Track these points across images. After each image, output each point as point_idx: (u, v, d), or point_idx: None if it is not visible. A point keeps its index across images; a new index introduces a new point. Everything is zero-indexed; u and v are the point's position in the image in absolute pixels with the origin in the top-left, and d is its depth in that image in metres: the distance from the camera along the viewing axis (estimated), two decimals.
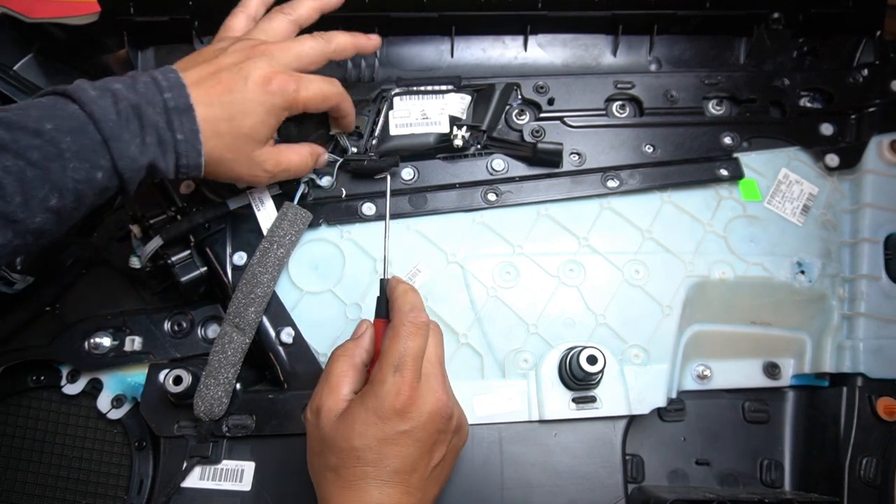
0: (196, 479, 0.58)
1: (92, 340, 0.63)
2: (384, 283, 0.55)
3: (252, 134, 0.52)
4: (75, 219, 0.47)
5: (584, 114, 0.69)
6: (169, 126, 0.48)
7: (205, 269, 0.62)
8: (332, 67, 0.71)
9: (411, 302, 0.51)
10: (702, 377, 0.67)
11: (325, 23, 0.70)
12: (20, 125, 0.42)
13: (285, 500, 0.58)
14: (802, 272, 0.66)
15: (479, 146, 0.68)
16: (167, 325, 0.64)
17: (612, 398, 0.60)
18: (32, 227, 0.43)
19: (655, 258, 0.65)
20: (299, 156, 0.58)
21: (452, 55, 0.72)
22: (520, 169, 0.67)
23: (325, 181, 0.65)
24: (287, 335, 0.61)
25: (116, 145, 0.45)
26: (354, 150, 0.65)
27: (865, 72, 0.71)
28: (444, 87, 0.67)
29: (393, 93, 0.67)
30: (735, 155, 0.68)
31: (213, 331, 0.64)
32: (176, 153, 0.48)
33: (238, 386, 0.60)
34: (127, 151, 0.46)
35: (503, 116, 0.68)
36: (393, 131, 0.66)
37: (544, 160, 0.67)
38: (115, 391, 0.64)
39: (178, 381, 0.58)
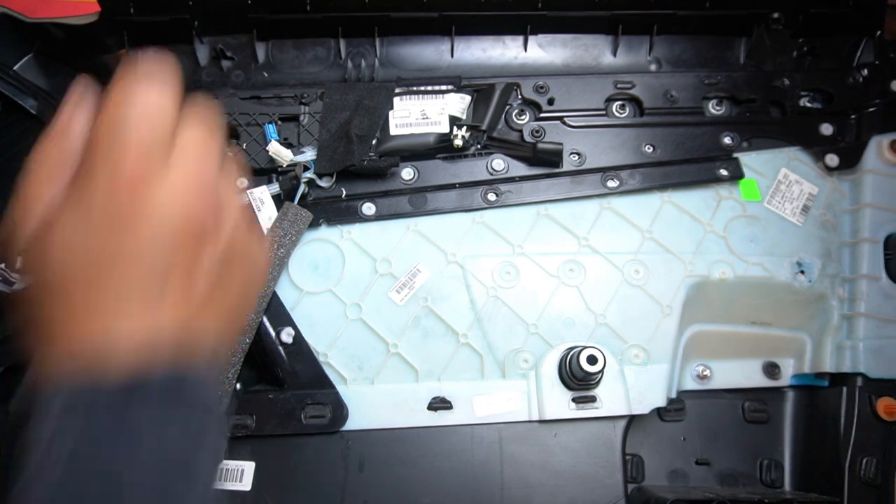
0: None
1: None
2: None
3: None
4: None
5: (584, 114, 0.69)
6: None
7: None
8: (331, 67, 0.71)
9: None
10: (702, 377, 0.67)
11: (325, 23, 0.70)
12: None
13: (285, 500, 0.58)
14: (802, 272, 0.66)
15: (479, 146, 0.68)
16: None
17: (612, 398, 0.60)
18: None
19: (655, 258, 0.65)
20: None
21: (452, 55, 0.72)
22: (520, 169, 0.67)
23: (324, 181, 0.65)
24: (287, 335, 0.61)
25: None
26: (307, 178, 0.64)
27: (865, 72, 0.71)
28: (444, 87, 0.67)
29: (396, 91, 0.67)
30: (735, 155, 0.69)
31: None
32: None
33: (238, 386, 0.60)
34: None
35: (503, 116, 0.68)
36: (393, 131, 0.66)
37: (544, 160, 0.67)
38: None
39: None
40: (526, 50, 0.73)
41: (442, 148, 0.66)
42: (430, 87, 0.67)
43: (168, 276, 0.30)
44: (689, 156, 0.68)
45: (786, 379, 0.67)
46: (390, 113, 0.66)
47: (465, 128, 0.66)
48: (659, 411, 0.66)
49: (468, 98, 0.67)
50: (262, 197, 0.64)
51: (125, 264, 0.29)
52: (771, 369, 0.67)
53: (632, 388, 0.61)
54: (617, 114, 0.70)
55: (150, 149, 0.30)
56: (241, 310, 0.36)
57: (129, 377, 0.27)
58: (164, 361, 0.29)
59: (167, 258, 0.30)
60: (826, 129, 0.70)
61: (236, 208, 0.35)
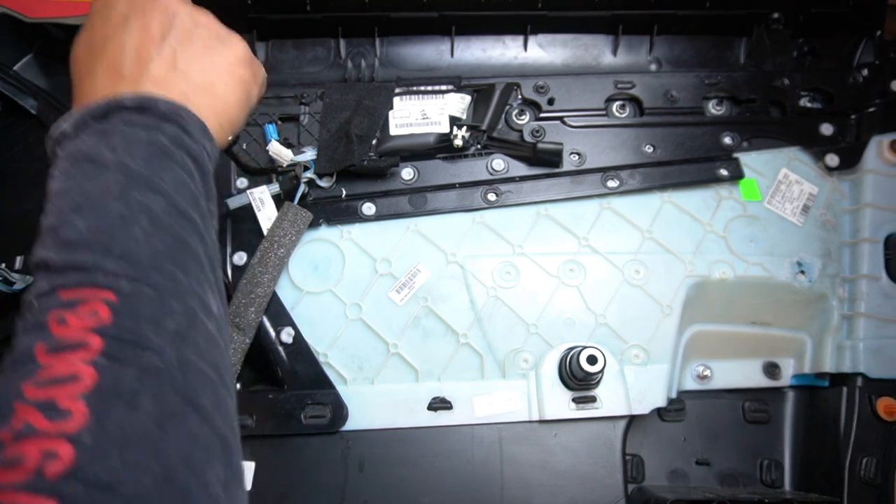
0: None
1: None
2: None
3: None
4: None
5: (584, 114, 0.69)
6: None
7: None
8: (331, 67, 0.71)
9: None
10: (702, 377, 0.67)
11: (325, 23, 0.70)
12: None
13: (285, 500, 0.58)
14: (802, 272, 0.66)
15: (479, 146, 0.68)
16: None
17: (612, 398, 0.60)
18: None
19: (655, 258, 0.65)
20: None
21: (452, 55, 0.72)
22: (520, 169, 0.67)
23: (324, 181, 0.65)
24: (287, 335, 0.61)
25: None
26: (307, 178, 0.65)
27: (865, 72, 0.71)
28: (444, 87, 0.67)
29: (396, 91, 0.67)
30: (735, 155, 0.69)
31: None
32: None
33: (238, 386, 0.60)
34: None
35: (503, 116, 0.68)
36: (393, 131, 0.66)
37: (544, 160, 0.67)
38: None
39: None
40: (526, 50, 0.73)
41: (442, 148, 0.66)
42: (430, 87, 0.67)
43: (122, 59, 0.43)
44: (689, 156, 0.68)
45: (786, 379, 0.67)
46: (390, 113, 0.66)
47: (465, 128, 0.66)
48: (659, 411, 0.66)
49: (468, 98, 0.67)
50: (262, 197, 0.64)
51: (96, 53, 0.44)
52: (771, 369, 0.67)
53: (632, 389, 0.61)
54: (617, 114, 0.70)
55: None
56: (214, 72, 0.46)
57: (105, 107, 0.39)
58: (126, 100, 0.40)
59: (120, 45, 0.43)
60: (826, 129, 0.70)
61: (178, 12, 0.46)
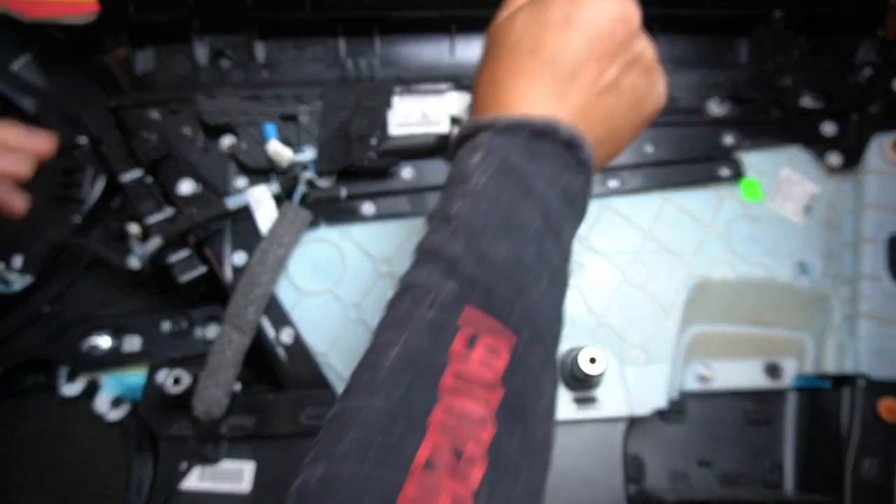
0: (195, 480, 0.58)
1: (90, 341, 0.63)
2: None
3: None
4: None
5: None
6: None
7: (205, 269, 0.62)
8: (331, 67, 0.71)
9: None
10: (703, 378, 0.66)
11: (325, 22, 0.70)
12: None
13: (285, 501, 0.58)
14: (804, 272, 0.66)
15: None
16: (166, 326, 0.64)
17: (613, 399, 0.60)
18: None
19: (656, 258, 0.65)
20: None
21: (452, 55, 0.72)
22: None
23: (324, 181, 0.65)
24: (287, 335, 0.61)
25: None
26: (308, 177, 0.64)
27: (867, 71, 0.71)
28: (444, 87, 0.67)
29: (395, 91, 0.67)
30: (736, 155, 0.68)
31: (212, 331, 0.64)
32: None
33: (238, 386, 0.60)
34: None
35: None
36: (393, 131, 0.65)
37: None
38: (113, 392, 0.64)
39: (177, 381, 0.58)
40: None
41: (442, 148, 0.66)
42: (430, 87, 0.67)
43: (573, 82, 0.39)
44: (690, 156, 0.68)
45: (787, 380, 0.67)
46: (390, 113, 0.66)
47: None
48: (660, 412, 0.65)
49: (468, 98, 0.67)
50: (262, 197, 0.64)
51: (545, 59, 0.39)
52: (772, 370, 0.67)
53: (632, 389, 0.60)
54: None
55: None
56: (621, 132, 0.42)
57: (541, 129, 0.37)
58: (562, 129, 0.37)
59: (578, 66, 0.39)
60: (828, 128, 0.70)
61: (646, 47, 0.42)
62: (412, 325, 0.32)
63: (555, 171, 0.37)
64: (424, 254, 0.35)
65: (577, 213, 0.38)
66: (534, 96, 0.39)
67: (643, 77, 0.42)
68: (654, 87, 0.43)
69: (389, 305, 0.35)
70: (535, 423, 0.32)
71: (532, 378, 0.32)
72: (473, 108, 0.43)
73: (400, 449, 0.28)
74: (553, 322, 0.35)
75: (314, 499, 0.29)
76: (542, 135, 0.37)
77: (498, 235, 0.34)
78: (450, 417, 0.29)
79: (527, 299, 0.33)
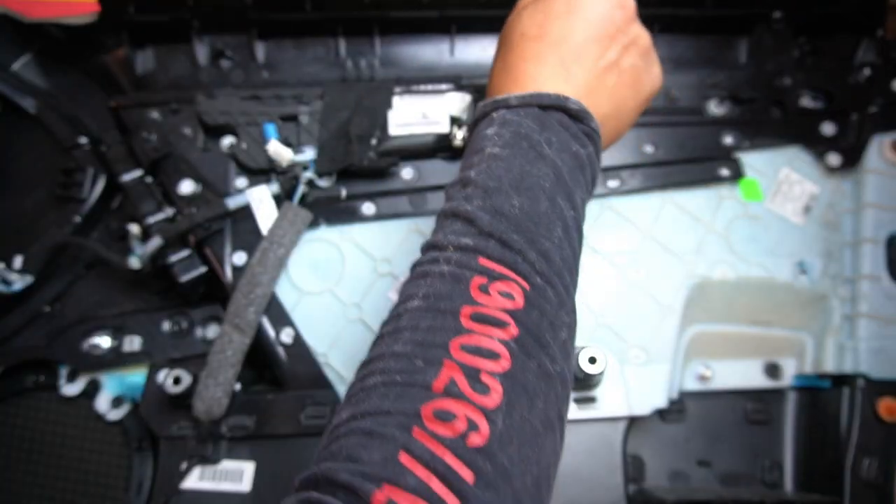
0: (195, 479, 0.58)
1: (91, 340, 0.63)
2: None
3: None
4: None
5: None
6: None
7: (205, 269, 0.62)
8: (331, 67, 0.71)
9: None
10: (703, 378, 0.66)
11: (325, 22, 0.70)
12: None
13: None
14: (804, 272, 0.66)
15: None
16: (166, 326, 0.64)
17: (613, 399, 0.60)
18: None
19: (656, 258, 0.65)
20: None
21: (452, 55, 0.72)
22: None
23: (324, 181, 0.65)
24: (287, 335, 0.61)
25: None
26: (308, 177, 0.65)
27: (867, 71, 0.71)
28: (444, 87, 0.67)
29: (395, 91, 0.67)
30: (736, 155, 0.68)
31: (212, 331, 0.64)
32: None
33: (238, 386, 0.60)
34: None
35: None
36: (393, 131, 0.65)
37: None
38: (114, 392, 0.64)
39: (177, 381, 0.58)
40: None
41: (442, 148, 0.66)
42: (430, 87, 0.67)
43: (577, 62, 0.42)
44: (689, 155, 0.68)
45: (787, 379, 0.67)
46: (390, 113, 0.66)
47: (465, 127, 0.66)
48: (660, 412, 0.66)
49: (468, 98, 0.67)
50: (262, 197, 0.64)
51: (551, 43, 0.43)
52: (772, 370, 0.67)
53: (632, 389, 0.60)
54: None
55: None
56: (624, 110, 0.45)
57: (551, 102, 0.40)
58: (570, 102, 0.40)
59: (581, 48, 0.43)
60: (827, 128, 0.70)
61: (642, 32, 0.46)
62: (430, 278, 0.35)
63: (564, 139, 0.40)
64: (444, 216, 0.38)
65: (587, 181, 0.41)
66: (543, 75, 0.42)
67: (640, 59, 0.46)
68: (650, 69, 0.47)
69: (412, 267, 0.38)
70: (550, 356, 0.34)
71: (546, 318, 0.34)
72: (488, 93, 0.46)
73: (418, 382, 0.31)
74: (566, 269, 0.37)
75: (341, 438, 0.31)
76: (552, 108, 0.40)
77: (511, 193, 0.37)
78: (466, 352, 0.31)
79: (539, 248, 0.35)
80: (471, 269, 0.34)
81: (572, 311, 0.37)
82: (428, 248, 0.38)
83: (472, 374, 0.31)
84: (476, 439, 0.29)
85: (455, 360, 0.31)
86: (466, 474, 0.28)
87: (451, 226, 0.37)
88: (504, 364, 0.32)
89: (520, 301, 0.34)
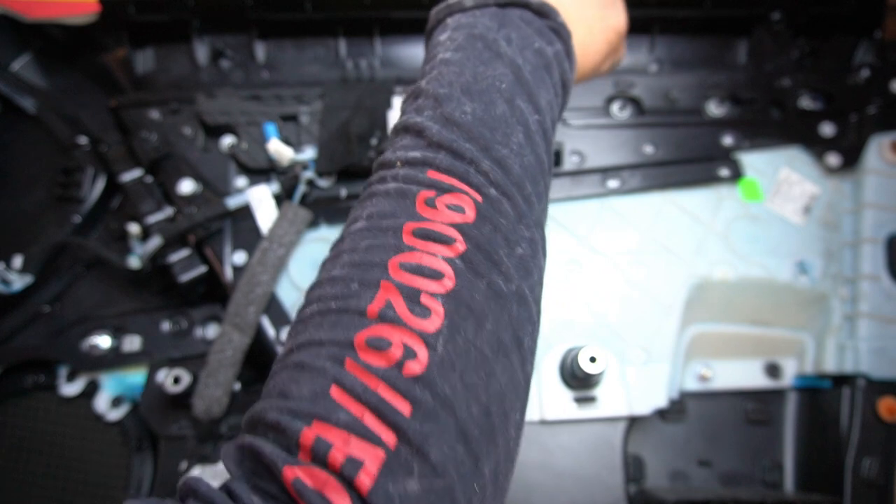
0: None
1: (90, 341, 0.63)
2: None
3: None
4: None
5: (585, 113, 0.69)
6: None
7: (205, 268, 0.62)
8: (331, 67, 0.71)
9: None
10: (703, 377, 0.66)
11: (325, 23, 0.70)
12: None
13: None
14: (804, 272, 0.66)
15: None
16: (166, 326, 0.64)
17: (613, 398, 0.60)
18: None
19: (656, 258, 0.65)
20: None
21: None
22: None
23: (324, 181, 0.65)
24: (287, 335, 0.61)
25: None
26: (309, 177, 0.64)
27: (865, 72, 0.71)
28: None
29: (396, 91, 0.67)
30: (736, 155, 0.68)
31: (212, 331, 0.64)
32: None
33: (238, 386, 0.60)
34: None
35: None
36: None
37: None
38: (113, 392, 0.64)
39: (177, 381, 0.58)
40: None
41: None
42: None
43: None
44: (689, 156, 0.68)
45: (787, 379, 0.67)
46: (390, 113, 0.66)
47: None
48: (660, 412, 0.66)
49: None
50: (262, 196, 0.63)
51: None
52: (772, 370, 0.67)
53: (633, 389, 0.60)
54: (617, 114, 0.70)
55: None
56: (592, 30, 0.42)
57: (510, 0, 0.37)
58: (544, 2, 0.38)
59: None
60: (827, 129, 0.70)
61: None
62: (376, 198, 0.32)
63: (526, 35, 0.37)
64: (395, 132, 0.35)
65: (555, 83, 0.38)
66: None
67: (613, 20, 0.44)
68: (616, 6, 0.44)
69: (363, 190, 0.35)
70: (504, 274, 0.31)
71: (500, 233, 0.32)
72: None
73: (351, 307, 0.28)
74: (528, 178, 0.34)
75: (276, 375, 0.29)
76: (512, 4, 0.37)
77: (463, 98, 0.34)
78: (405, 272, 0.29)
79: (494, 156, 0.33)
80: (418, 184, 0.31)
81: (535, 225, 0.34)
82: (377, 167, 0.34)
83: (411, 296, 0.28)
84: (414, 367, 0.27)
85: (393, 281, 0.29)
86: (402, 406, 0.26)
87: (400, 141, 0.34)
88: (447, 284, 0.29)
89: (470, 214, 0.31)
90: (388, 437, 0.25)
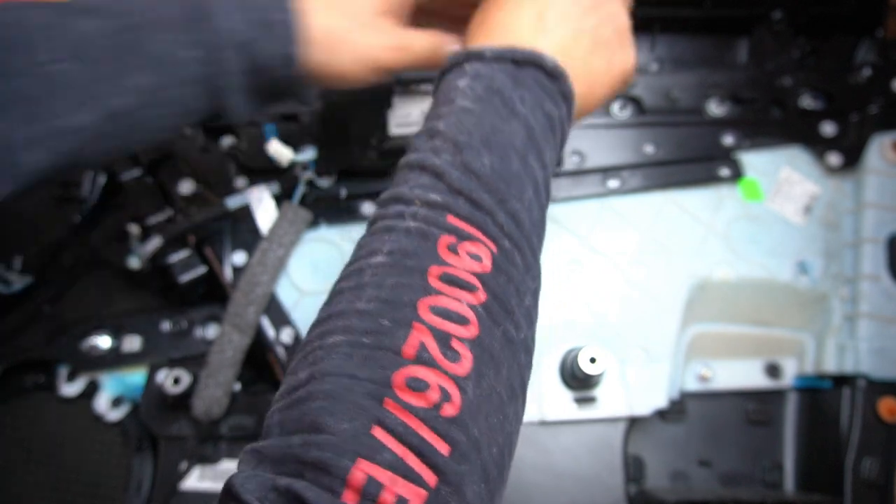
0: (195, 480, 0.58)
1: (90, 341, 0.63)
2: None
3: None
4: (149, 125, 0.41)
5: None
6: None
7: (204, 269, 0.62)
8: None
9: None
10: (703, 378, 0.66)
11: None
12: None
13: None
14: (804, 272, 0.66)
15: None
16: (166, 326, 0.64)
17: (613, 399, 0.60)
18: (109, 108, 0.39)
19: (656, 258, 0.65)
20: (427, 40, 0.47)
21: None
22: None
23: (324, 181, 0.65)
24: (287, 335, 0.61)
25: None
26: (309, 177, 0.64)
27: (867, 71, 0.71)
28: None
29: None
30: (736, 155, 0.68)
31: (212, 331, 0.64)
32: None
33: (238, 386, 0.60)
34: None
35: None
36: (393, 131, 0.65)
37: None
38: (113, 392, 0.64)
39: (177, 381, 0.58)
40: None
41: None
42: (430, 87, 0.67)
43: (556, 21, 0.41)
44: (690, 155, 0.68)
45: (788, 379, 0.67)
46: (390, 113, 0.66)
47: None
48: (660, 412, 0.65)
49: None
50: (262, 197, 0.63)
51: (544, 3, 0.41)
52: (773, 370, 0.67)
53: (633, 389, 0.60)
54: (618, 113, 0.70)
55: None
56: (595, 84, 0.43)
57: (526, 58, 0.38)
58: (546, 59, 0.38)
59: (559, 5, 0.41)
60: (827, 128, 0.70)
61: (622, 11, 0.45)
62: (395, 233, 0.33)
63: (538, 98, 0.38)
64: (409, 167, 0.36)
65: (557, 142, 0.40)
66: (520, 29, 0.40)
67: (615, 35, 0.44)
68: (624, 48, 0.45)
69: (372, 220, 0.36)
70: (515, 323, 0.33)
71: (513, 283, 0.33)
72: (463, 42, 0.44)
73: (386, 345, 0.29)
74: (535, 232, 0.36)
75: (302, 403, 0.28)
76: (527, 63, 0.39)
77: (482, 150, 0.35)
78: (434, 316, 0.30)
79: (508, 209, 0.34)
80: (439, 227, 0.33)
81: (538, 276, 0.36)
82: (391, 200, 0.35)
83: (443, 339, 0.29)
84: (449, 409, 0.28)
85: (425, 323, 0.29)
86: (442, 447, 0.27)
87: (417, 179, 0.35)
88: (473, 330, 0.30)
89: (487, 264, 0.32)
90: (430, 478, 0.26)
